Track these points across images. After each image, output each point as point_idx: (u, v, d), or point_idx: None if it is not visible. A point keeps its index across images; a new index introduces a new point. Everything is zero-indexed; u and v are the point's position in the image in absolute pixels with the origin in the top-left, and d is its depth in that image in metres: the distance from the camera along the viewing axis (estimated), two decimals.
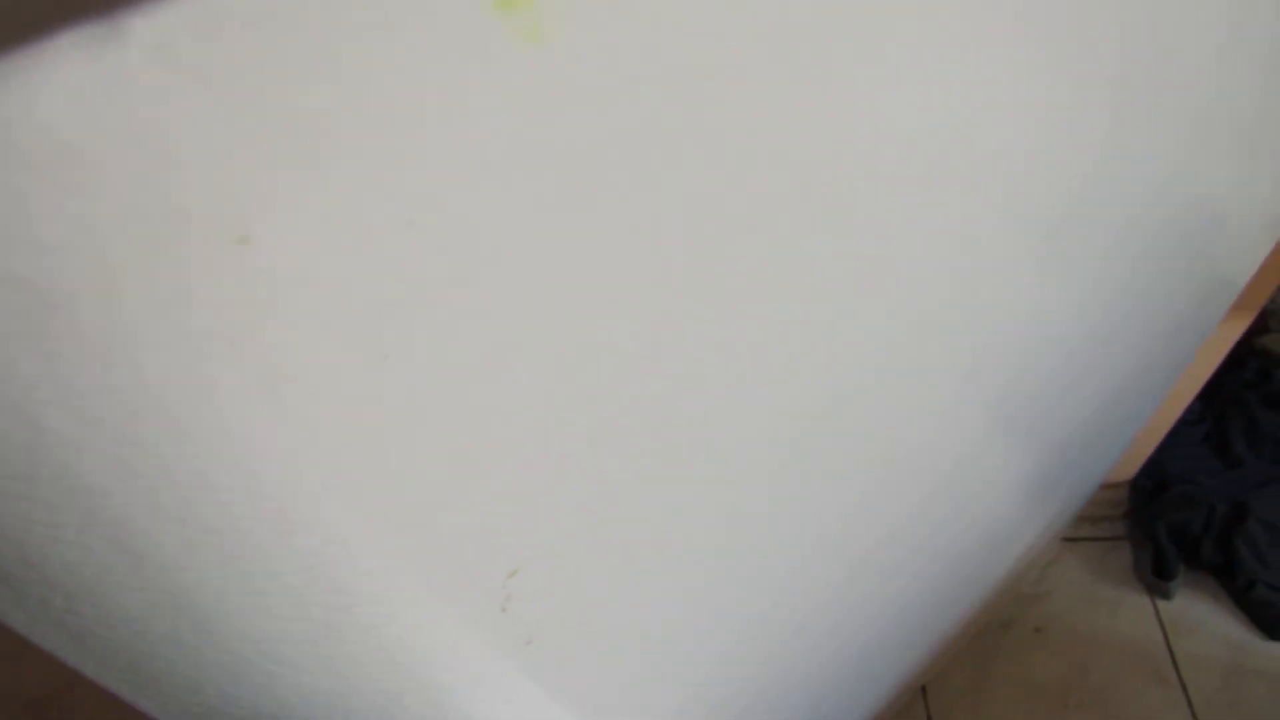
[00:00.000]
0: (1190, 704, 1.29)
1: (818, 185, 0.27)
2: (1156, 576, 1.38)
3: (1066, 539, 1.50)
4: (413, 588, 0.24)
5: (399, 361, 0.17)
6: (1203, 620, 1.35)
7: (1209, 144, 0.55)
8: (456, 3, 0.16)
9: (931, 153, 0.32)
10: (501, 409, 0.20)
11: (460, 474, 0.20)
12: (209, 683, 0.21)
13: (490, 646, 0.29)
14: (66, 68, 0.14)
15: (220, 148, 0.15)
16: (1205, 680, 1.31)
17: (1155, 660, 1.35)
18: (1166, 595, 1.38)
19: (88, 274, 0.15)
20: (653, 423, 0.27)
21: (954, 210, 0.37)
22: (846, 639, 0.78)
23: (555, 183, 0.18)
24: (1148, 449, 1.40)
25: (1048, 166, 0.40)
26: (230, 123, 0.15)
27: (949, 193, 0.35)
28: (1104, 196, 0.48)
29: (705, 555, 0.41)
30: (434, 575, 0.24)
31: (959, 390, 0.54)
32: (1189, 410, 1.39)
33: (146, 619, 0.18)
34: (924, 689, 1.37)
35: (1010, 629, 1.43)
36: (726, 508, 0.37)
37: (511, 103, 0.17)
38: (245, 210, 0.16)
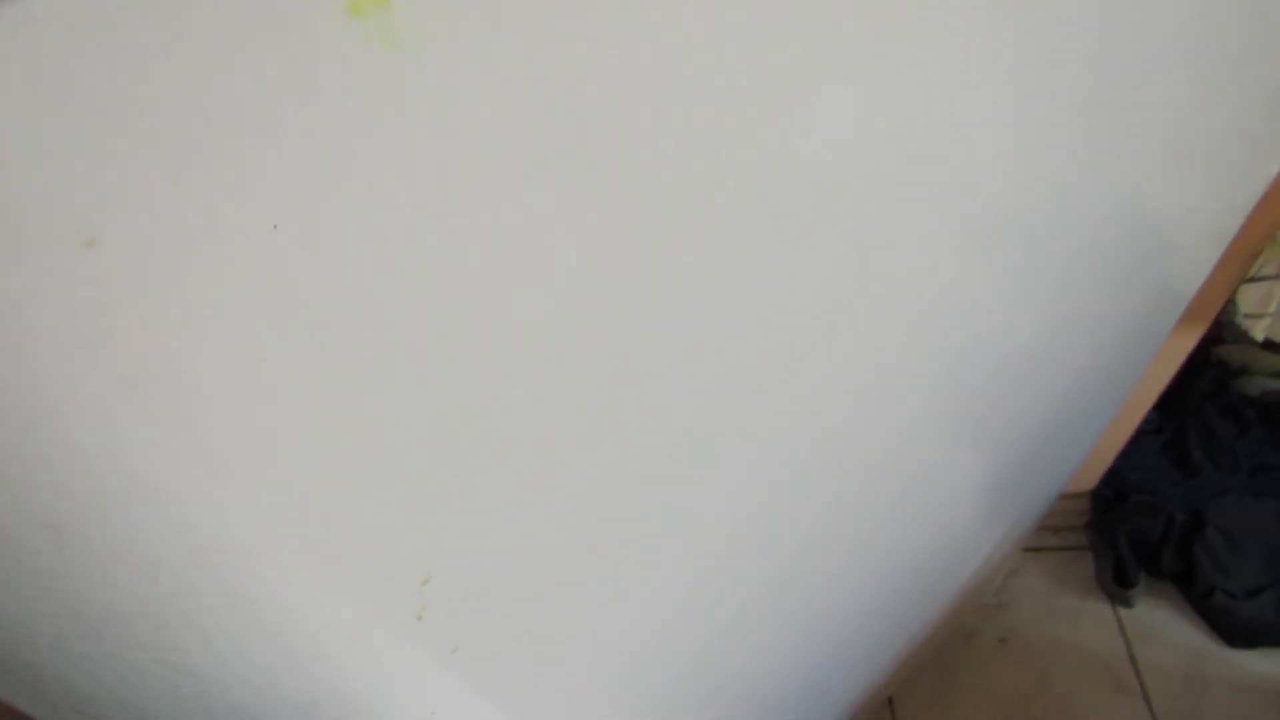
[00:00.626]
0: (1152, 711, 1.31)
1: (761, 191, 0.28)
2: (1118, 585, 1.40)
3: (1029, 549, 1.52)
4: (319, 595, 0.24)
5: (277, 364, 0.17)
6: (1164, 628, 1.38)
7: (1157, 157, 0.57)
8: (307, 7, 0.16)
9: (886, 162, 0.33)
10: (389, 413, 0.20)
11: (352, 480, 0.20)
12: (104, 694, 0.21)
13: (409, 656, 0.29)
14: None
15: (57, 147, 0.15)
16: (1166, 687, 1.33)
17: (1117, 668, 1.37)
18: (1128, 603, 1.40)
19: None
20: (574, 418, 0.27)
21: (908, 222, 0.38)
22: (807, 648, 0.78)
23: (409, 186, 0.19)
24: (1108, 459, 1.42)
25: (998, 178, 0.41)
26: (66, 123, 0.15)
27: (904, 203, 0.36)
28: (1054, 207, 0.49)
29: (649, 557, 0.41)
30: (340, 582, 0.24)
31: (915, 401, 0.55)
32: (1148, 420, 1.42)
33: (29, 627, 0.18)
34: (890, 701, 1.38)
35: (974, 640, 1.44)
36: (661, 508, 0.38)
37: (369, 106, 0.18)
38: (90, 213, 0.16)
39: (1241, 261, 1.10)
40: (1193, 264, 0.90)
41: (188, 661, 0.22)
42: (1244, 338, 1.17)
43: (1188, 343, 1.22)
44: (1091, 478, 1.46)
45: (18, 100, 0.14)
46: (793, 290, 0.35)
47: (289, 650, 0.25)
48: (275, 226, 0.17)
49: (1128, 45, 0.42)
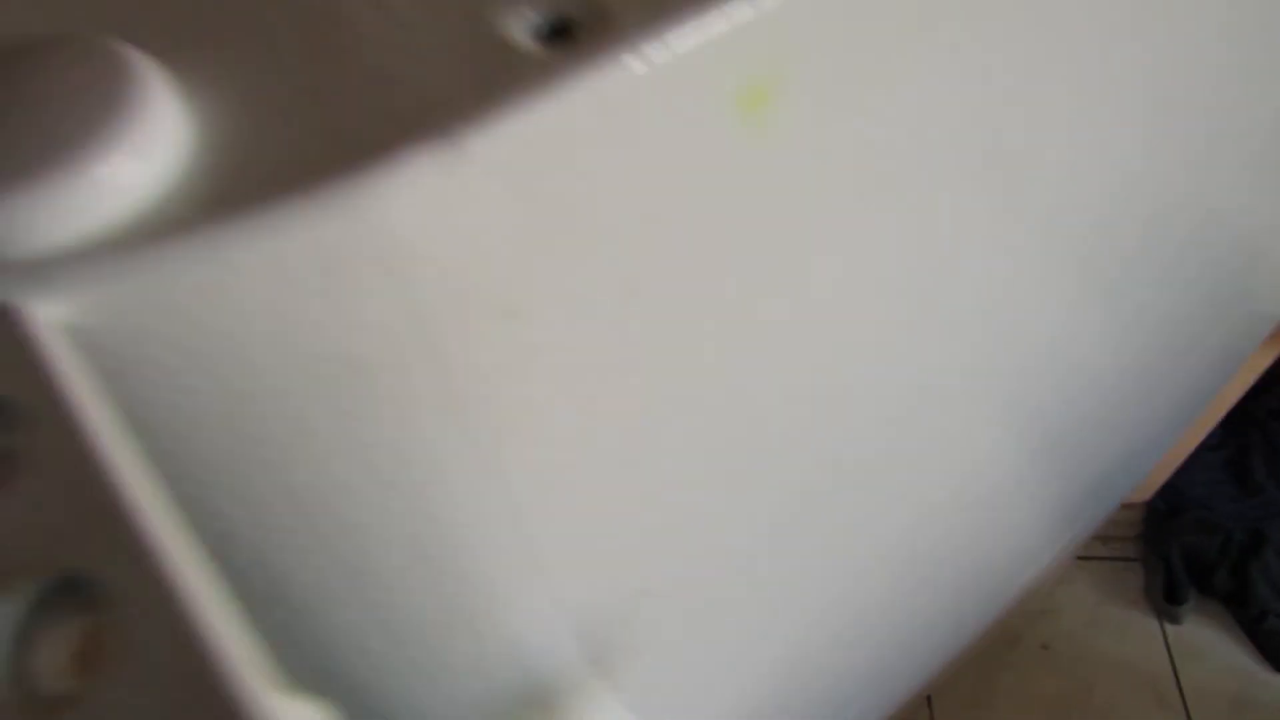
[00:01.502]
0: None
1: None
2: (1167, 600, 1.41)
3: (1079, 557, 1.53)
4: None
5: (606, 404, 0.19)
6: (1211, 648, 1.39)
7: (1252, 179, 0.57)
8: (701, 111, 0.18)
9: (974, 174, 0.34)
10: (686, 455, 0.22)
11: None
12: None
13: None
14: (417, 179, 0.16)
15: (511, 242, 0.17)
16: (1210, 708, 1.34)
17: (1160, 684, 1.38)
18: (1176, 620, 1.41)
19: (391, 347, 0.17)
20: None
21: (994, 233, 0.39)
22: (869, 644, 0.80)
23: (770, 262, 0.21)
24: (1167, 471, 1.43)
25: (1087, 192, 0.42)
26: (524, 223, 0.17)
27: (990, 216, 0.37)
28: (1145, 226, 0.50)
29: (756, 566, 0.43)
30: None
31: (991, 413, 0.56)
32: (1210, 434, 1.42)
33: None
34: (930, 699, 1.40)
35: (1017, 644, 1.46)
36: (773, 522, 0.40)
37: (736, 191, 0.20)
38: (515, 291, 0.18)
39: None
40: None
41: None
42: None
43: (1263, 360, 1.22)
44: (1148, 489, 1.47)
45: (502, 206, 0.16)
46: (896, 310, 0.36)
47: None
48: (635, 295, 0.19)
49: (1217, 52, 0.42)
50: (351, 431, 0.18)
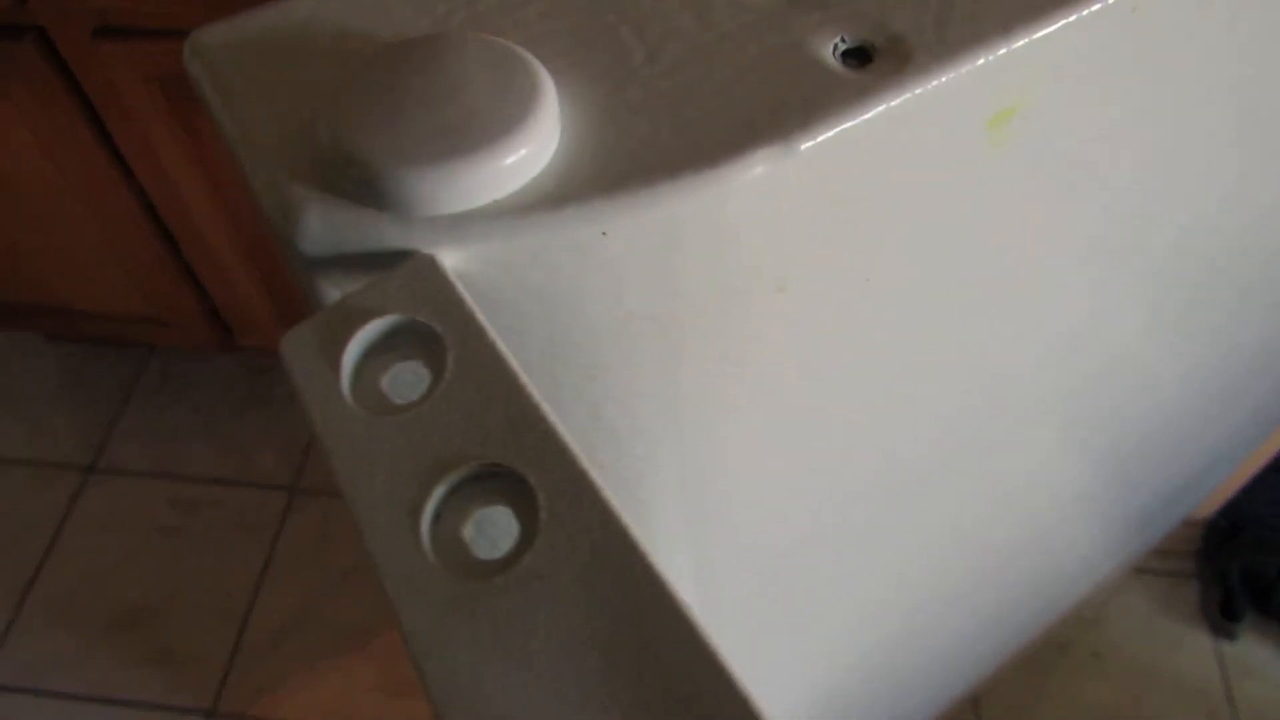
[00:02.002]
0: None
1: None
2: (1223, 617, 1.43)
3: (1134, 569, 1.54)
4: None
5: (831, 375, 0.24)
6: (1266, 667, 1.40)
7: None
8: (963, 127, 0.23)
9: (1049, 197, 0.38)
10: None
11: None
12: None
13: None
14: (757, 171, 0.20)
15: (799, 226, 0.22)
16: None
17: (1212, 702, 1.40)
18: (1232, 636, 1.42)
19: (692, 309, 0.22)
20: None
21: (1070, 250, 0.42)
22: (936, 636, 0.83)
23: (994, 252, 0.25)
24: (1229, 490, 1.44)
25: (1169, 211, 0.45)
26: (814, 212, 0.22)
27: (1066, 235, 0.40)
28: (1222, 247, 0.52)
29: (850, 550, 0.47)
30: None
31: (1067, 425, 0.59)
32: (1276, 456, 1.43)
33: None
34: (977, 701, 1.43)
35: (1068, 651, 1.48)
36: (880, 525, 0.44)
37: (971, 188, 0.24)
38: (789, 269, 0.22)
39: None
40: None
41: None
42: None
43: None
44: (1209, 506, 1.48)
45: (813, 199, 0.20)
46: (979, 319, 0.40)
47: None
48: (868, 280, 0.24)
49: None
50: (638, 378, 0.23)
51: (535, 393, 0.19)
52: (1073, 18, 0.24)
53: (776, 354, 0.25)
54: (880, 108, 0.21)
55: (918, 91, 0.21)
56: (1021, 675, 1.45)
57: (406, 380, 0.20)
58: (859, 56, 0.23)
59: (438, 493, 0.18)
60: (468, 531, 0.18)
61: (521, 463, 0.18)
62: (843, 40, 0.23)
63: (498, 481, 0.18)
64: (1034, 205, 0.30)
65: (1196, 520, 1.52)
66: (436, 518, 0.18)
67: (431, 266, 0.20)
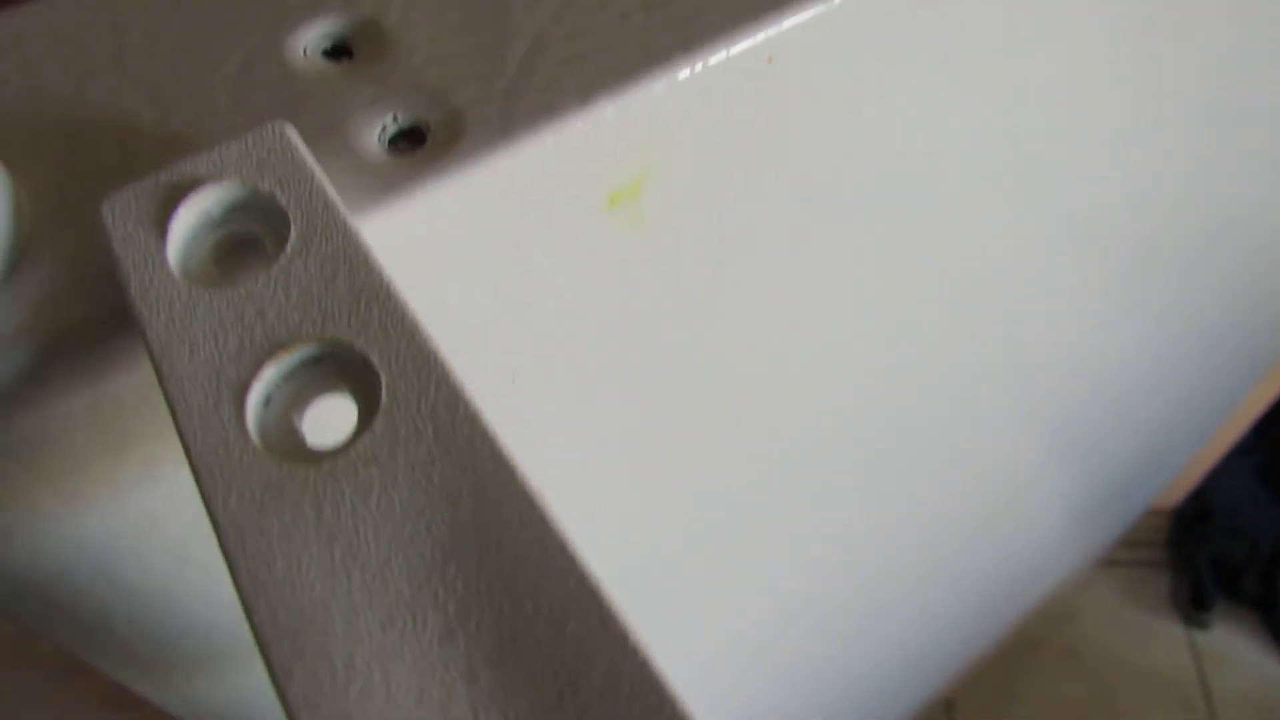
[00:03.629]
0: None
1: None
2: (1194, 606, 1.43)
3: (1103, 562, 1.55)
4: None
5: None
6: (1238, 654, 1.41)
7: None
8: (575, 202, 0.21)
9: (1011, 168, 0.36)
10: None
11: None
12: None
13: None
14: None
15: None
16: (1236, 715, 1.36)
17: (1185, 690, 1.40)
18: (1203, 626, 1.43)
19: None
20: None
21: (1020, 239, 0.40)
22: (882, 641, 0.82)
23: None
24: (1195, 476, 1.45)
25: (1115, 195, 0.42)
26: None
27: (1022, 209, 0.39)
28: (1173, 227, 0.51)
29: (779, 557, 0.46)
30: None
31: (1013, 409, 0.58)
32: (1241, 439, 1.44)
33: None
34: (950, 703, 1.42)
35: (1040, 648, 1.48)
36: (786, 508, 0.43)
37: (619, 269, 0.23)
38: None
39: None
40: None
41: None
42: None
43: None
44: (1176, 494, 1.49)
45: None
46: (900, 296, 0.38)
47: None
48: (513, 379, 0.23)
49: (1258, 55, 0.42)
50: None
51: (385, 271, 0.17)
52: (685, 73, 0.22)
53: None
54: (411, 198, 0.19)
55: (458, 179, 0.19)
56: (994, 675, 1.44)
57: (240, 255, 0.18)
58: (411, 139, 0.20)
59: (269, 374, 0.16)
60: (302, 420, 0.16)
61: (363, 341, 0.16)
62: (395, 119, 0.21)
63: (337, 365, 0.16)
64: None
65: (1164, 509, 1.53)
66: (266, 401, 0.16)
67: (279, 137, 0.18)
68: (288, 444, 0.16)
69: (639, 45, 0.22)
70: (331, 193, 0.18)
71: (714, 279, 0.26)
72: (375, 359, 0.16)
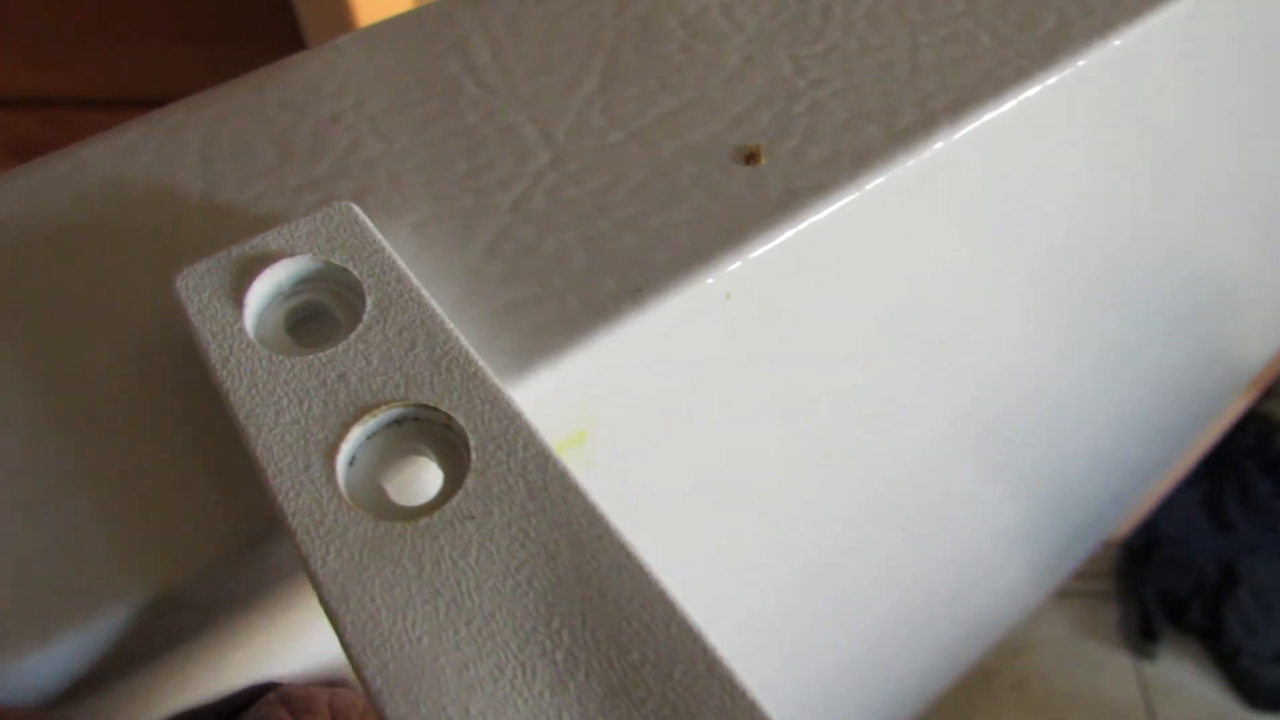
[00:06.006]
0: None
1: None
2: (1142, 637, 1.49)
3: (1055, 593, 1.60)
4: None
5: None
6: (1185, 685, 1.46)
7: (1239, 238, 0.62)
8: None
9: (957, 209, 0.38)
10: None
11: None
12: None
13: None
14: None
15: None
16: None
17: None
18: (1151, 656, 1.49)
19: None
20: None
21: (972, 264, 0.42)
22: (846, 684, 0.83)
23: None
24: (1143, 510, 1.51)
25: (1076, 245, 0.43)
26: None
27: (968, 248, 0.41)
28: (1132, 284, 0.54)
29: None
30: None
31: (978, 461, 0.60)
32: (1189, 473, 1.51)
33: None
34: None
35: (991, 680, 1.52)
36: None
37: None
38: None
39: None
40: (1261, 339, 0.96)
41: None
42: None
43: (1239, 404, 1.31)
44: (1125, 527, 1.55)
45: None
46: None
47: None
48: None
49: (1209, 101, 0.44)
50: None
51: (462, 337, 0.18)
52: (631, 328, 0.21)
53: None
54: None
55: None
56: (947, 709, 1.48)
57: (318, 326, 0.19)
58: None
59: (355, 435, 0.17)
60: (386, 479, 0.18)
61: (448, 404, 0.18)
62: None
63: (418, 427, 0.18)
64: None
65: (1113, 541, 1.58)
66: (350, 462, 0.17)
67: (348, 214, 0.20)
68: (377, 502, 0.17)
69: (579, 294, 0.21)
70: (402, 265, 0.19)
71: (663, 495, 0.28)
72: (461, 419, 0.17)
